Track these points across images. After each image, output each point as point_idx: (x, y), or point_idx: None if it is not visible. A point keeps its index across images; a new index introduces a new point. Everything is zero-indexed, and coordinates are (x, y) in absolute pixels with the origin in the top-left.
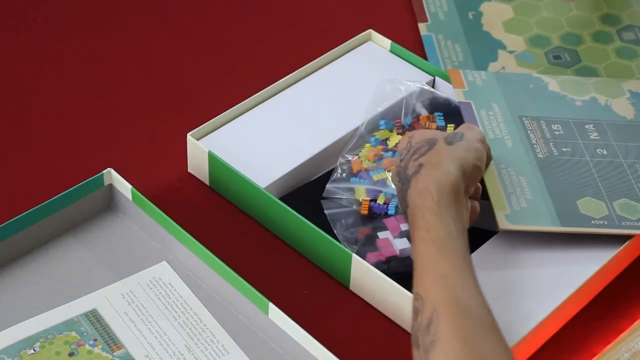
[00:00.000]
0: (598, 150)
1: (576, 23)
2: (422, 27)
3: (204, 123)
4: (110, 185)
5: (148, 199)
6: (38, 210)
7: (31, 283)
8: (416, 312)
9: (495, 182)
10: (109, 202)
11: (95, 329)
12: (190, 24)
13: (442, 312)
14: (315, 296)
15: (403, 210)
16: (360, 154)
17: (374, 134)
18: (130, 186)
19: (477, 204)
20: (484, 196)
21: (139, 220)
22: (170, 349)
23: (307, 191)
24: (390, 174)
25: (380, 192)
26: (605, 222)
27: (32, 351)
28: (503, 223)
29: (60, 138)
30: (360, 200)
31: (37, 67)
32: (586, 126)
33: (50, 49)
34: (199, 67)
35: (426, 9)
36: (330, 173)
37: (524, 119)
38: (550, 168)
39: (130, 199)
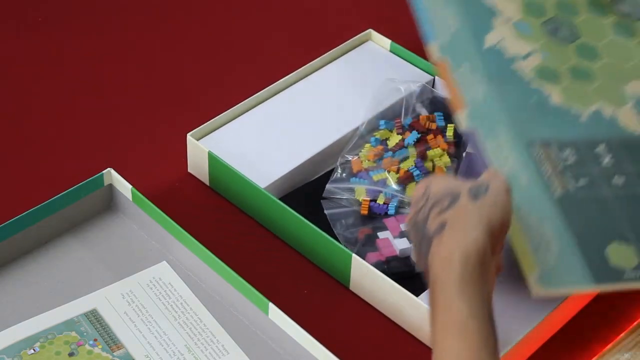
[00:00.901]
0: (615, 178)
1: None
2: None
3: (204, 123)
4: (110, 185)
5: (148, 199)
6: (38, 210)
7: (31, 283)
8: None
9: (520, 237)
10: (109, 202)
11: (95, 329)
12: (190, 24)
13: None
14: (315, 296)
15: (422, 269)
16: (360, 154)
17: (374, 134)
18: (130, 186)
19: (501, 258)
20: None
21: (139, 220)
22: (170, 349)
23: (307, 191)
24: (390, 174)
25: (380, 192)
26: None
27: (32, 351)
28: (536, 288)
29: (60, 138)
30: (360, 200)
31: (37, 67)
32: (597, 149)
33: (50, 49)
34: (199, 67)
35: None
36: (330, 173)
37: (532, 145)
38: (570, 208)
39: (130, 199)
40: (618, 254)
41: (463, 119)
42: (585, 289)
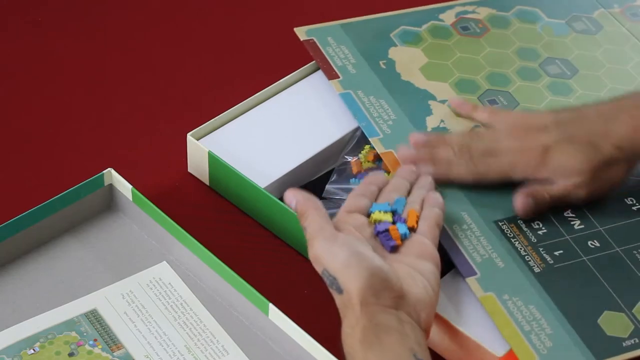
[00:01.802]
0: (589, 243)
1: (495, 61)
2: (335, 84)
3: (204, 123)
4: (110, 185)
5: (148, 199)
6: (38, 210)
7: (31, 283)
8: None
9: (509, 323)
10: (109, 202)
11: (95, 329)
12: (190, 24)
13: None
14: (315, 296)
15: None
16: (360, 155)
17: None
18: (130, 186)
19: None
20: None
21: (139, 220)
22: (170, 349)
23: (307, 191)
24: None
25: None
26: (637, 341)
27: (32, 351)
28: None
29: (60, 138)
30: None
31: (37, 67)
32: (564, 214)
33: (50, 49)
34: (199, 67)
35: (332, 64)
36: (330, 173)
37: (500, 223)
38: (553, 284)
39: (130, 199)
40: (611, 323)
41: None
42: None
